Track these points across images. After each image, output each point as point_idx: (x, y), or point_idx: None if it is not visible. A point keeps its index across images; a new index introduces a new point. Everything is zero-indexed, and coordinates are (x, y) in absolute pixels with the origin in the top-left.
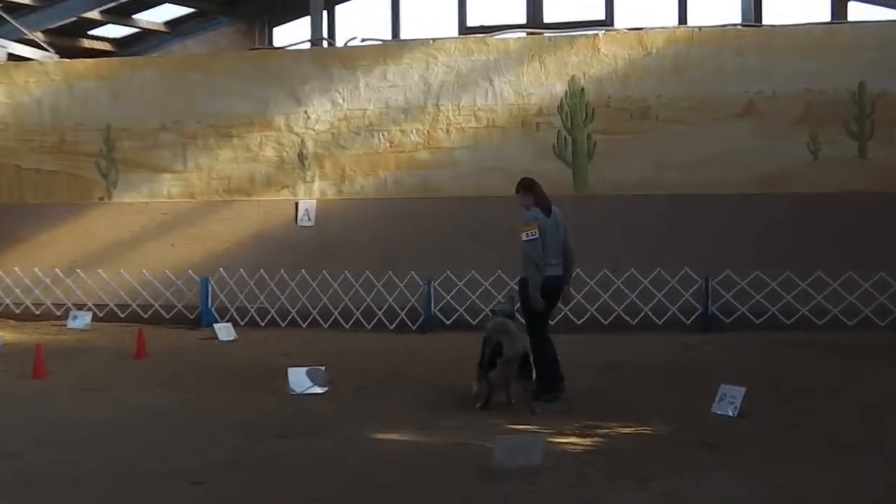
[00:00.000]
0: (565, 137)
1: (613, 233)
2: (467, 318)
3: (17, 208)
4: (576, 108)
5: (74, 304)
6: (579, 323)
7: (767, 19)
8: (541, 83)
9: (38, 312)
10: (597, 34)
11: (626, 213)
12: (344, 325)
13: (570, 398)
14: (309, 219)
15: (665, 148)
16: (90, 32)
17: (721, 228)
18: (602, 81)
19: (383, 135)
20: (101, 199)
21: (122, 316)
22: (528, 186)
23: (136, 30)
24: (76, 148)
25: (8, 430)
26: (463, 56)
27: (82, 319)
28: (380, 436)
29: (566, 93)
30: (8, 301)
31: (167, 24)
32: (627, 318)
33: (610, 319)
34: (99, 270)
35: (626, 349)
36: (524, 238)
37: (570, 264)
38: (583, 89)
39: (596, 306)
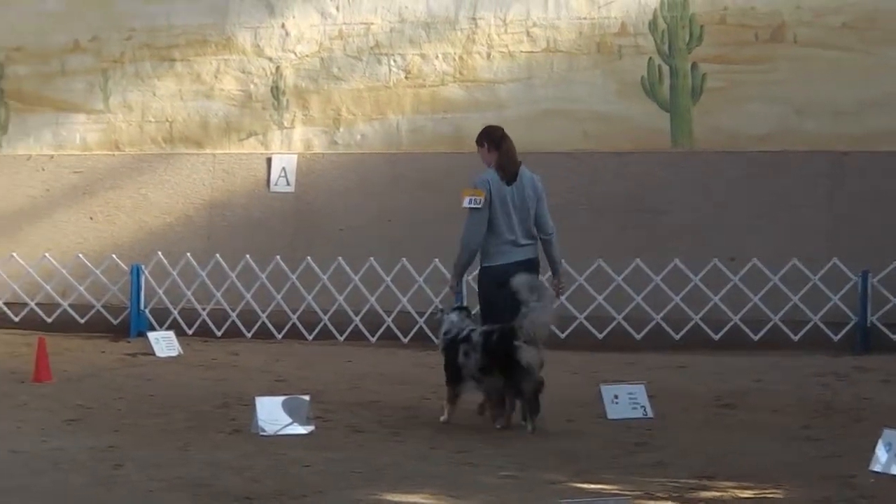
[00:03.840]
0: (660, 67)
1: (729, 206)
2: None
3: None
4: (676, 24)
5: None
6: (678, 338)
7: None
8: None
9: None
10: None
11: (747, 177)
12: (337, 336)
13: (663, 446)
14: (287, 182)
15: (807, 84)
16: None
17: (890, 202)
18: None
19: (395, 61)
20: None
21: (16, 320)
22: (494, 140)
23: None
24: None
25: None
26: None
27: None
28: (387, 499)
29: (662, 1)
30: None
31: None
32: (748, 332)
33: (723, 333)
34: None
35: (745, 377)
36: (464, 204)
37: (551, 246)
38: None
39: (702, 314)
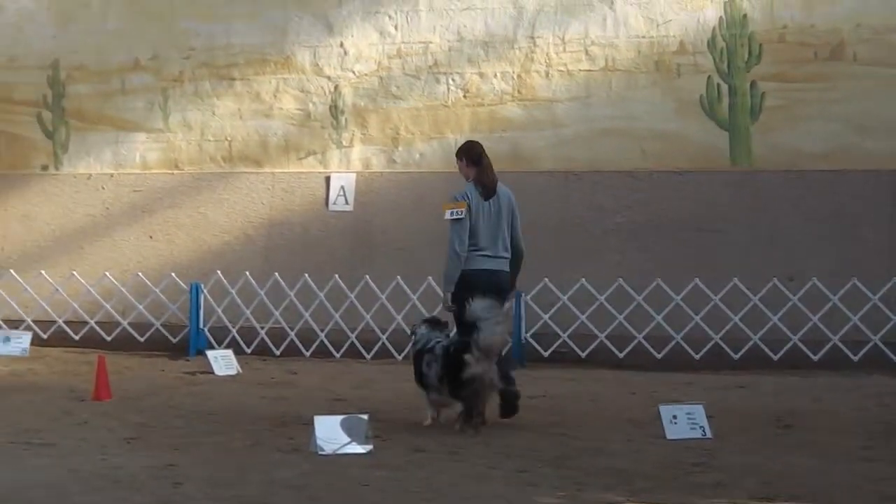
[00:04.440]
0: (719, 86)
1: (789, 225)
2: (573, 347)
3: None
4: (735, 42)
5: (5, 321)
6: (737, 358)
7: None
8: (683, 6)
9: None
10: None
11: (807, 196)
12: (395, 355)
13: (721, 467)
14: (346, 201)
15: (866, 102)
16: None
17: None
18: (774, 3)
19: (454, 80)
20: (45, 168)
21: (76, 338)
22: (473, 158)
23: None
24: (8, 94)
25: None
26: None
27: (17, 343)
28: None
29: (721, 20)
30: None
31: None
32: (807, 352)
33: (782, 353)
34: (42, 272)
35: (804, 397)
36: (446, 217)
37: (519, 259)
38: (745, 15)
39: (761, 333)
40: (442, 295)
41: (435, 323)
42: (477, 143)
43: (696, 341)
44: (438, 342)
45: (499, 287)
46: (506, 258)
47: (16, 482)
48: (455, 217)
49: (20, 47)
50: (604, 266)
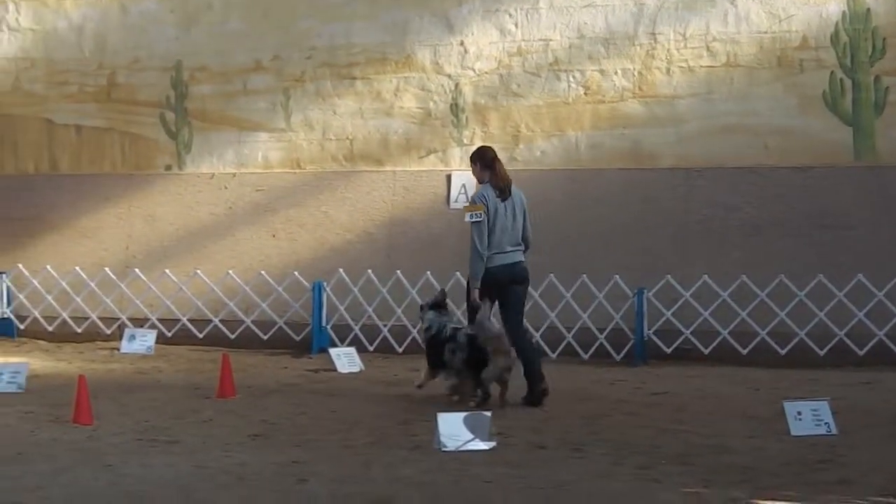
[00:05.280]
0: (842, 81)
1: None
2: (696, 343)
3: (47, 181)
4: (858, 37)
5: (131, 319)
6: (861, 354)
7: None
8: (806, 1)
9: (79, 330)
10: None
11: None
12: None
13: (847, 464)
14: (467, 199)
15: None
16: None
17: None
18: None
19: (574, 77)
20: (169, 168)
21: (200, 336)
22: (486, 163)
23: None
24: (132, 95)
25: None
26: None
27: (142, 341)
28: None
29: (844, 14)
30: (36, 313)
31: None
32: None
33: None
34: (166, 271)
35: None
36: (467, 219)
37: (526, 251)
38: (868, 9)
39: (886, 329)
40: (469, 292)
41: (439, 305)
42: (489, 148)
43: (820, 338)
44: (457, 329)
45: (519, 276)
46: (520, 249)
47: (143, 479)
48: (475, 220)
49: (143, 49)
50: (726, 262)
